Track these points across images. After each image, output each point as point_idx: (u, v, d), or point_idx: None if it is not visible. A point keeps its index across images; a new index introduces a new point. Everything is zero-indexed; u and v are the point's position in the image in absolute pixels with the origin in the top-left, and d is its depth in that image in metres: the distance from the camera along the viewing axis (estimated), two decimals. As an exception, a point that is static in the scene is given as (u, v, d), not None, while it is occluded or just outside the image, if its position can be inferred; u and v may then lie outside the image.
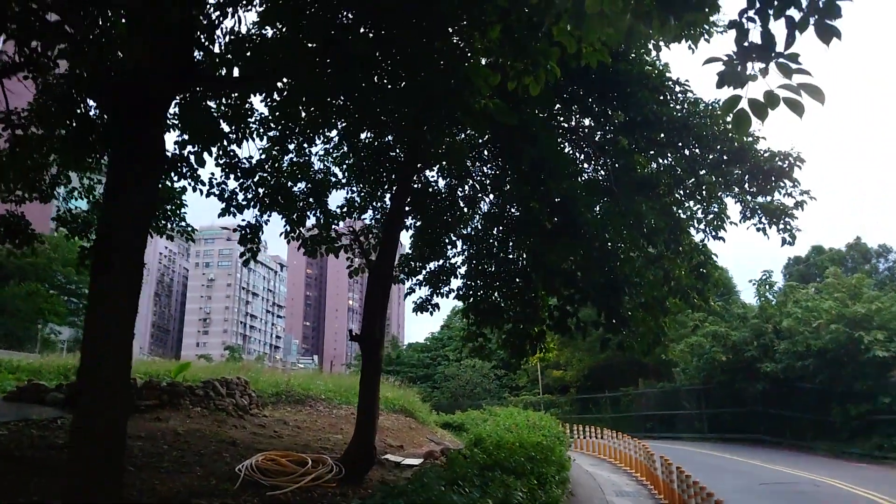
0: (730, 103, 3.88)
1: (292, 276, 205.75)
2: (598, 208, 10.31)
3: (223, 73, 7.60)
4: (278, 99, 10.91)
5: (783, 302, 33.47)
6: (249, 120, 13.11)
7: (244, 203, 12.66)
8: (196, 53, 7.45)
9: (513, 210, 14.92)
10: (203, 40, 7.31)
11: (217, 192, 12.50)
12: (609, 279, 9.76)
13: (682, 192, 12.42)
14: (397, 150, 15.10)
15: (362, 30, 7.25)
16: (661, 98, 11.58)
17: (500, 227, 15.50)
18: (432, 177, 16.17)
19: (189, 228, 13.72)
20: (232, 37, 7.45)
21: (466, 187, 16.12)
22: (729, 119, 3.92)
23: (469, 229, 16.12)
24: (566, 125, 13.21)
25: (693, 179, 12.04)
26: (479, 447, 13.80)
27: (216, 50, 7.46)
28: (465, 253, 16.13)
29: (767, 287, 35.60)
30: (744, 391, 33.63)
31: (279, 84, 9.42)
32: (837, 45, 3.80)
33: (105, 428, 5.85)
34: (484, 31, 6.23)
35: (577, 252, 9.85)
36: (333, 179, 14.76)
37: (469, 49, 6.55)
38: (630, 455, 21.89)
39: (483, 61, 6.62)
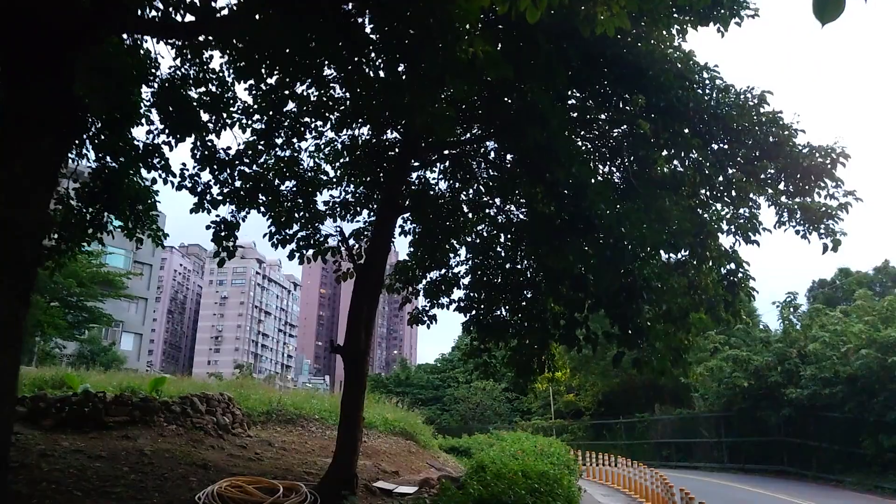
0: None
1: (306, 295, 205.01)
2: (614, 204, 8.92)
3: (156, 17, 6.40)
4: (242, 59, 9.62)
5: (808, 325, 31.73)
6: (232, 110, 12.07)
7: (219, 198, 11.42)
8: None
9: (520, 215, 13.66)
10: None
11: (189, 185, 11.28)
12: (625, 283, 8.40)
13: (708, 192, 11.02)
14: (397, 150, 13.90)
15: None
16: (687, 83, 10.26)
17: (508, 236, 14.22)
18: (433, 179, 14.93)
19: (160, 233, 12.49)
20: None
21: (471, 191, 14.84)
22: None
23: (474, 237, 14.80)
24: (578, 119, 11.88)
25: (721, 177, 10.66)
26: (480, 475, 12.41)
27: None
28: (469, 262, 14.80)
29: (792, 310, 33.83)
30: (766, 419, 31.82)
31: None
32: None
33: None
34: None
35: (588, 251, 8.52)
36: (325, 178, 13.52)
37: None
38: (646, 486, 20.30)
39: None
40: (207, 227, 11.50)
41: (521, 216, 13.60)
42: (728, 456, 35.20)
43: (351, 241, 12.80)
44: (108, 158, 12.22)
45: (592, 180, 8.22)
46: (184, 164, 11.41)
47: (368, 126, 12.98)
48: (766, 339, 34.01)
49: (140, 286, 63.65)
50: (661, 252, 9.23)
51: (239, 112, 11.98)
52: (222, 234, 11.50)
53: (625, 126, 11.13)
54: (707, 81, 10.63)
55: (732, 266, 10.63)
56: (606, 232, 8.24)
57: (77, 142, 12.05)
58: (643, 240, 7.99)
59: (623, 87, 10.00)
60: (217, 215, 11.59)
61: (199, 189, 11.39)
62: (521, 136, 8.28)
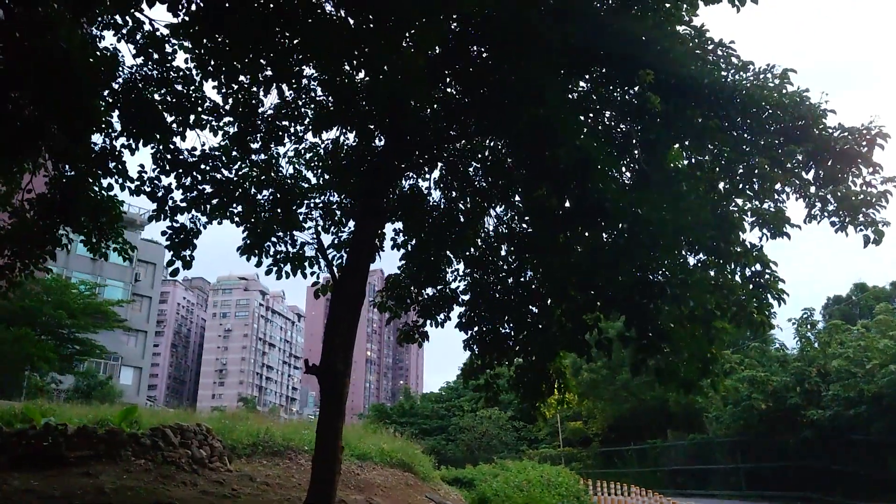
0: None
1: (310, 326, 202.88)
2: (625, 188, 7.71)
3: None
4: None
5: (826, 343, 30.28)
6: (200, 110, 11.00)
7: (182, 205, 10.27)
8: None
9: (523, 224, 12.50)
10: None
11: (147, 190, 10.14)
12: (641, 277, 7.18)
13: (728, 184, 9.78)
14: (383, 147, 12.76)
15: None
16: (700, 62, 9.10)
17: (511, 248, 13.02)
18: (426, 188, 13.74)
19: (127, 246, 11.39)
20: None
21: (468, 200, 13.63)
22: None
23: (472, 250, 13.53)
24: (583, 112, 10.71)
25: (742, 167, 9.45)
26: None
27: None
28: (469, 278, 13.53)
29: (809, 327, 32.37)
30: (786, 443, 30.31)
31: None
32: None
33: None
34: None
35: (593, 243, 7.33)
36: (306, 186, 12.37)
37: None
38: (664, 517, 18.87)
39: None
40: (163, 234, 10.33)
41: (524, 223, 12.46)
42: (746, 482, 33.53)
43: (332, 252, 11.63)
44: (66, 167, 11.22)
45: (599, 155, 6.97)
46: (142, 167, 10.29)
47: (352, 130, 11.94)
48: (782, 358, 32.53)
49: (139, 319, 62.61)
50: (682, 245, 8.00)
51: (208, 113, 10.93)
52: (178, 241, 10.31)
53: (633, 115, 9.95)
54: (722, 61, 9.46)
55: (758, 267, 9.36)
56: (618, 217, 7.05)
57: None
58: (663, 225, 6.78)
59: (629, 66, 8.82)
60: (175, 221, 10.40)
61: (158, 194, 10.24)
62: (516, 115, 7.14)
